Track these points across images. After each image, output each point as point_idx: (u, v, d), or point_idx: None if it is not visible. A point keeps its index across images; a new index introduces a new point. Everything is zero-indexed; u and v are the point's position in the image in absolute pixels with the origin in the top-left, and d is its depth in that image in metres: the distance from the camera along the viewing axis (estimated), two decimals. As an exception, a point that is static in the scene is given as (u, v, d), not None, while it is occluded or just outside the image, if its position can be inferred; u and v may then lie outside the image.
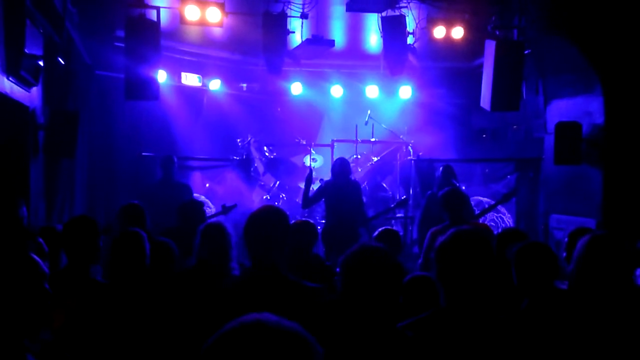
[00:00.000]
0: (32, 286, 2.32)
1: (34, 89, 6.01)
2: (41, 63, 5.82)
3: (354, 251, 2.50)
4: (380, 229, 5.27)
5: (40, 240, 4.08)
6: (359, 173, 10.18)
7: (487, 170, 10.38)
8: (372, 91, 10.88)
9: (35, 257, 2.46)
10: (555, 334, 2.87)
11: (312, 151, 10.65)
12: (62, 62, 6.67)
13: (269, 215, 3.08)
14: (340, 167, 7.51)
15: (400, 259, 5.61)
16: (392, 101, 11.13)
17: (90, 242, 3.69)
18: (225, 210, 7.40)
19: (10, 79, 5.22)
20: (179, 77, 10.08)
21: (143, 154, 9.25)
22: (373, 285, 2.39)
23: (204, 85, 10.47)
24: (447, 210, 5.87)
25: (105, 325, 3.15)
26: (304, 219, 6.30)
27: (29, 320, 2.30)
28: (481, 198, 9.62)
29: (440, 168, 7.98)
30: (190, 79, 10.24)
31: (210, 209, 9.13)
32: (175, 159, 7.86)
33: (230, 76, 10.74)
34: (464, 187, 8.27)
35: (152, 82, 6.87)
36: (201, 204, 5.68)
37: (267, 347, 1.22)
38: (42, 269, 2.42)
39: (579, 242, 3.11)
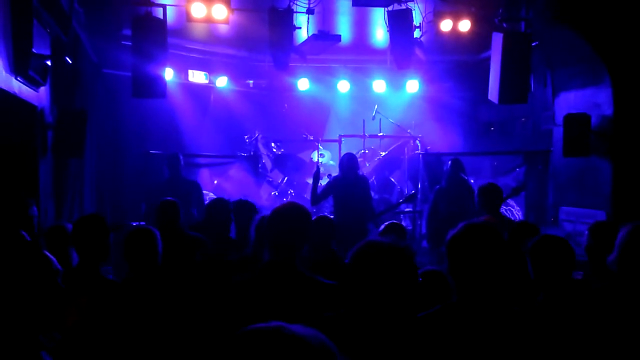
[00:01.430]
0: (45, 283, 2.33)
1: (42, 88, 6.03)
2: (49, 63, 5.84)
3: (361, 246, 2.49)
4: (385, 223, 5.27)
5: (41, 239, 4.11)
6: (367, 168, 10.16)
7: (495, 163, 10.35)
8: (379, 86, 10.86)
9: (48, 254, 2.48)
10: (573, 326, 2.86)
11: (320, 147, 10.64)
12: (70, 62, 6.69)
13: (292, 212, 3.11)
14: (348, 163, 7.50)
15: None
16: (399, 95, 11.12)
17: (100, 240, 3.70)
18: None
19: (19, 78, 5.24)
20: (186, 75, 10.11)
21: (150, 151, 9.27)
22: (382, 280, 2.37)
23: (210, 82, 10.49)
24: (483, 204, 5.97)
25: (117, 323, 3.17)
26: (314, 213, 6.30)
27: (43, 317, 2.32)
28: (490, 191, 9.58)
29: (449, 162, 7.96)
30: (197, 77, 10.27)
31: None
32: (182, 157, 7.87)
33: (236, 73, 10.76)
34: (472, 181, 8.25)
35: (159, 80, 6.89)
36: (227, 202, 5.69)
37: (288, 355, 1.21)
38: (55, 266, 2.44)
39: (620, 232, 3.10)
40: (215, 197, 6.67)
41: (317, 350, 1.24)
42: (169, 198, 5.48)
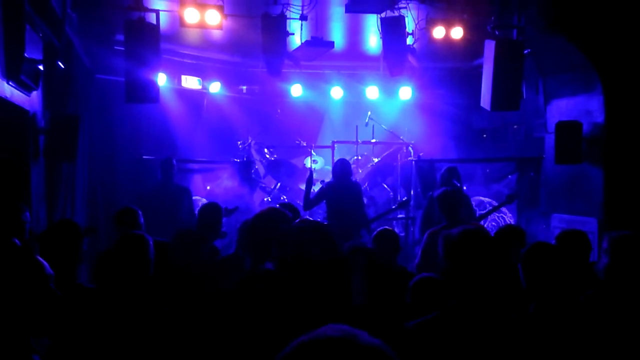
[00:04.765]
0: (38, 287, 2.33)
1: (34, 93, 6.01)
2: (41, 67, 5.82)
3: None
4: (378, 230, 5.27)
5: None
6: (359, 174, 10.17)
7: (488, 170, 10.36)
8: (372, 92, 10.88)
9: (40, 259, 2.47)
10: (567, 336, 2.85)
11: (313, 153, 10.65)
12: (62, 66, 6.67)
13: (268, 217, 3.10)
14: (341, 169, 7.51)
15: (401, 259, 5.64)
16: (392, 102, 11.14)
17: (73, 246, 3.64)
18: (227, 213, 7.40)
19: (11, 83, 5.22)
20: (179, 80, 10.10)
21: (144, 157, 9.25)
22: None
23: (204, 88, 10.48)
24: (443, 211, 5.86)
25: (96, 331, 3.10)
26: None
27: (36, 321, 2.31)
28: (482, 198, 9.61)
29: (444, 169, 7.96)
30: (190, 82, 10.26)
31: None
32: (175, 162, 7.86)
33: (230, 79, 10.76)
34: (465, 188, 8.26)
35: (152, 85, 6.88)
36: (219, 208, 5.68)
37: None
38: (47, 271, 2.43)
39: (605, 240, 3.11)
40: (207, 202, 6.65)
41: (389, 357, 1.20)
42: (130, 205, 5.47)
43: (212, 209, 5.49)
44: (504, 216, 9.29)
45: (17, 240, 3.92)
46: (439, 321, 2.59)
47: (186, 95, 10.36)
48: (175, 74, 9.95)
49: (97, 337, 3.06)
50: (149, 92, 6.84)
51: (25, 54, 5.25)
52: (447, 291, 3.56)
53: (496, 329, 2.51)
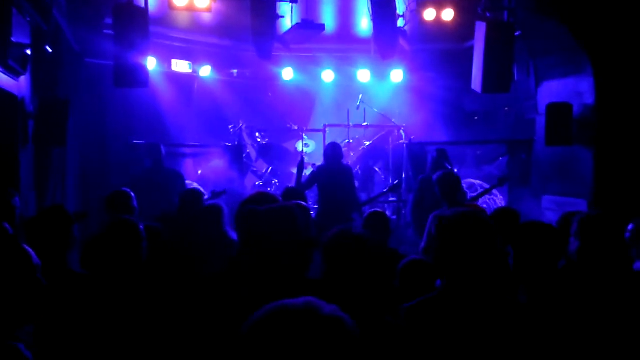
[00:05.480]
0: (24, 277, 2.31)
1: (22, 77, 5.97)
2: (29, 52, 5.78)
3: (331, 236, 2.51)
4: (368, 212, 5.28)
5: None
6: (351, 157, 10.17)
7: (479, 153, 10.40)
8: (363, 75, 10.85)
9: (27, 248, 2.46)
10: (558, 319, 2.86)
11: (304, 136, 10.63)
12: (50, 50, 6.61)
13: (256, 202, 3.13)
14: (332, 152, 7.50)
15: (392, 242, 5.66)
16: (383, 85, 11.12)
17: (64, 231, 3.61)
18: (214, 195, 7.41)
19: (-2, 68, 5.19)
20: (169, 64, 10.03)
21: (134, 141, 9.20)
22: (352, 270, 2.39)
23: (194, 71, 10.42)
24: (443, 194, 5.91)
25: (88, 318, 3.09)
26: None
27: (22, 311, 2.31)
28: (474, 180, 9.65)
29: (434, 151, 7.97)
30: (181, 66, 10.20)
31: (204, 195, 9.11)
32: (163, 147, 7.80)
33: (220, 62, 10.70)
34: (456, 170, 8.28)
35: (142, 69, 6.83)
36: (201, 194, 5.67)
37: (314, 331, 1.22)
38: (34, 260, 2.42)
39: (574, 222, 3.13)
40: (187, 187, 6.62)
41: (349, 329, 1.25)
42: (122, 188, 5.43)
43: (192, 195, 5.48)
44: (495, 198, 9.33)
45: (7, 226, 3.92)
46: (431, 304, 2.59)
47: (176, 79, 10.31)
48: (166, 57, 9.88)
49: (88, 323, 3.05)
50: (138, 76, 6.80)
51: (12, 38, 5.21)
52: (435, 274, 3.59)
53: (489, 311, 2.51)
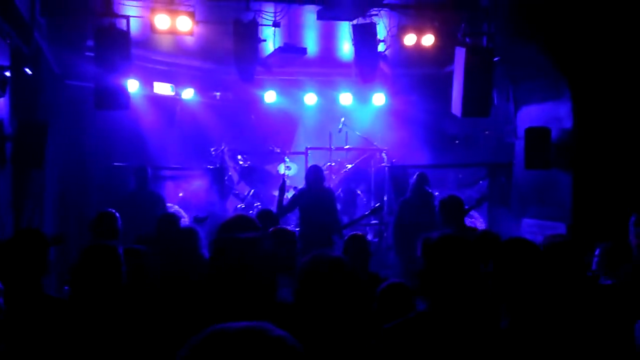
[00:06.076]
0: None
1: (1, 100, 5.93)
2: (8, 74, 5.75)
3: (307, 260, 2.50)
4: (348, 235, 5.28)
5: None
6: (333, 180, 10.19)
7: (460, 176, 10.47)
8: (345, 98, 10.92)
9: None
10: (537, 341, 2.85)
11: (287, 159, 10.64)
12: (30, 73, 6.58)
13: (234, 225, 3.12)
14: (314, 175, 7.52)
15: (373, 265, 5.65)
16: (365, 108, 11.19)
17: (39, 255, 3.55)
18: (196, 221, 7.37)
19: (-24, 90, 5.15)
20: (152, 87, 10.01)
21: (115, 164, 9.15)
22: (325, 294, 2.38)
23: (176, 94, 10.41)
24: (451, 217, 5.90)
25: (61, 343, 3.03)
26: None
27: None
28: (455, 203, 9.67)
29: (415, 175, 8.02)
30: (163, 88, 10.18)
31: (184, 218, 9.05)
32: (149, 170, 7.79)
33: (203, 85, 10.70)
34: (437, 193, 8.32)
35: (122, 92, 6.83)
36: (177, 217, 5.65)
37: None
38: None
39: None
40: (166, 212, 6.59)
41: (296, 351, 1.23)
42: (108, 209, 5.41)
43: (168, 219, 5.46)
44: (475, 221, 9.37)
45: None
46: (416, 322, 2.60)
47: (159, 102, 10.28)
48: (148, 80, 9.86)
49: (62, 348, 3.00)
50: (119, 99, 6.79)
51: (-9, 60, 5.19)
52: (414, 297, 3.59)
53: (474, 333, 2.52)
